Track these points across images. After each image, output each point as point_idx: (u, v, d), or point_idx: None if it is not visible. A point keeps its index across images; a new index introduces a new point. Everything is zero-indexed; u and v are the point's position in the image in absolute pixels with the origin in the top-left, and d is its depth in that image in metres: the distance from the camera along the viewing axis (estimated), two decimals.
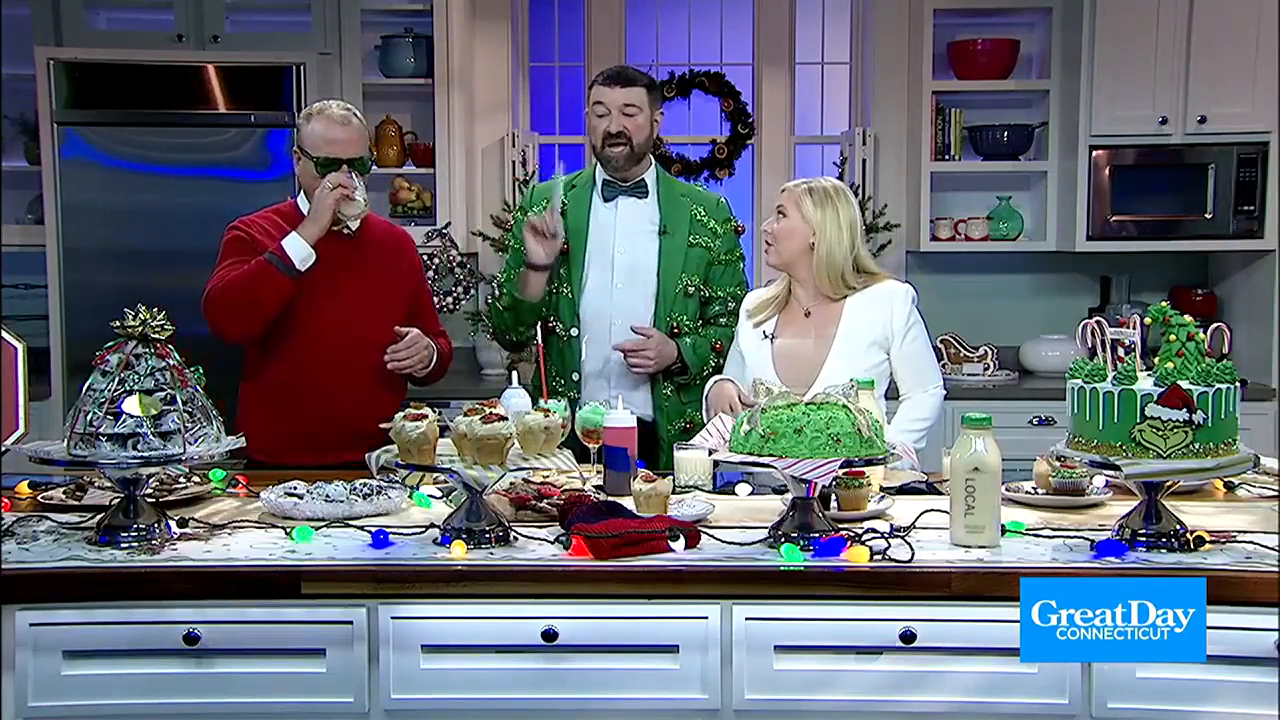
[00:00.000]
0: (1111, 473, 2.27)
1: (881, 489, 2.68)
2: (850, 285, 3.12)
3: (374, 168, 3.28)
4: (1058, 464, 2.63)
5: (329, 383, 3.10)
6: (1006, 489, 2.57)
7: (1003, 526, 2.35)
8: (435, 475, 2.58)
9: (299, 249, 3.03)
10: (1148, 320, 2.32)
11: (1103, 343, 2.34)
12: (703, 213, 3.42)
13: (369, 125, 4.89)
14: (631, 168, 3.39)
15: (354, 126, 3.15)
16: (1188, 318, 2.28)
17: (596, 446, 2.86)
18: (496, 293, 3.55)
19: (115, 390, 2.30)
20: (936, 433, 4.42)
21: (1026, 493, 2.70)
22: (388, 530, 2.37)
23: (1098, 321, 2.36)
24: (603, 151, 3.36)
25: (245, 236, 3.14)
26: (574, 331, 3.36)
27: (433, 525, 2.39)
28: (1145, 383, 2.23)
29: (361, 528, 2.43)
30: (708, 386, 3.19)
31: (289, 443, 3.12)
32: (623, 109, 3.32)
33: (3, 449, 2.44)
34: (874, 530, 2.36)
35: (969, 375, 4.99)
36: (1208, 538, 2.28)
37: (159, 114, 4.63)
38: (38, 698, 2.23)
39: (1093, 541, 2.29)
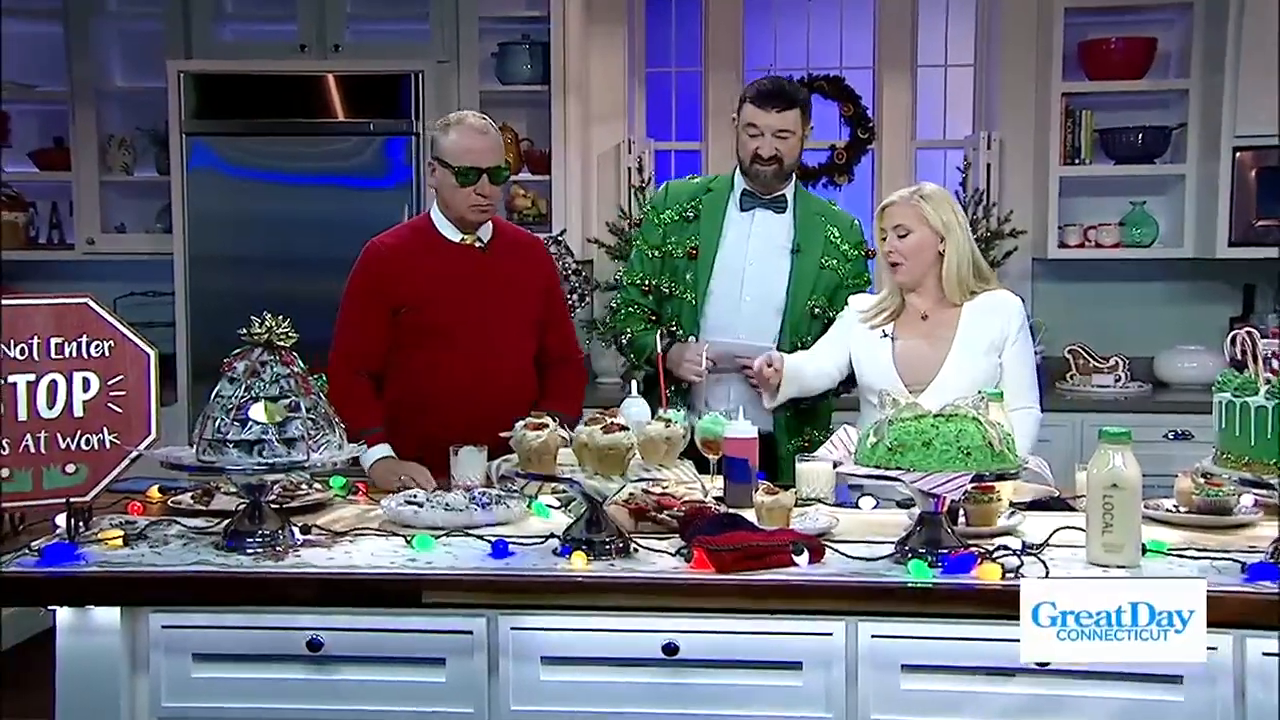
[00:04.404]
0: (1264, 492, 2.15)
1: (1011, 504, 2.59)
2: (971, 290, 3.07)
3: (510, 176, 3.27)
4: (1202, 481, 2.50)
5: (462, 397, 3.09)
6: (1145, 506, 2.46)
7: (1143, 545, 2.25)
8: (554, 485, 2.56)
9: (367, 461, 3.00)
10: None
11: (1253, 355, 2.22)
12: (836, 234, 3.36)
13: None
14: (777, 185, 3.34)
15: (491, 136, 3.15)
16: None
17: (716, 457, 2.82)
18: (619, 300, 3.49)
19: (242, 397, 2.34)
20: (1067, 447, 4.30)
21: (1168, 510, 2.58)
22: (507, 540, 2.35)
23: (1248, 332, 2.24)
24: (750, 168, 3.30)
25: (374, 288, 3.12)
26: (693, 340, 3.31)
27: (552, 536, 2.37)
28: None
29: (481, 537, 2.42)
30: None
31: (418, 454, 3.09)
32: (777, 133, 3.25)
33: (136, 453, 2.49)
34: (1005, 547, 2.28)
35: (1099, 386, 4.82)
36: None
37: (281, 123, 4.73)
38: (170, 698, 2.28)
39: (1244, 564, 2.17)
